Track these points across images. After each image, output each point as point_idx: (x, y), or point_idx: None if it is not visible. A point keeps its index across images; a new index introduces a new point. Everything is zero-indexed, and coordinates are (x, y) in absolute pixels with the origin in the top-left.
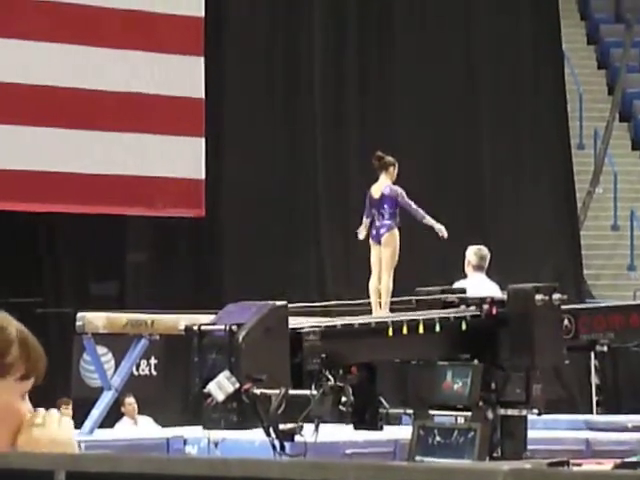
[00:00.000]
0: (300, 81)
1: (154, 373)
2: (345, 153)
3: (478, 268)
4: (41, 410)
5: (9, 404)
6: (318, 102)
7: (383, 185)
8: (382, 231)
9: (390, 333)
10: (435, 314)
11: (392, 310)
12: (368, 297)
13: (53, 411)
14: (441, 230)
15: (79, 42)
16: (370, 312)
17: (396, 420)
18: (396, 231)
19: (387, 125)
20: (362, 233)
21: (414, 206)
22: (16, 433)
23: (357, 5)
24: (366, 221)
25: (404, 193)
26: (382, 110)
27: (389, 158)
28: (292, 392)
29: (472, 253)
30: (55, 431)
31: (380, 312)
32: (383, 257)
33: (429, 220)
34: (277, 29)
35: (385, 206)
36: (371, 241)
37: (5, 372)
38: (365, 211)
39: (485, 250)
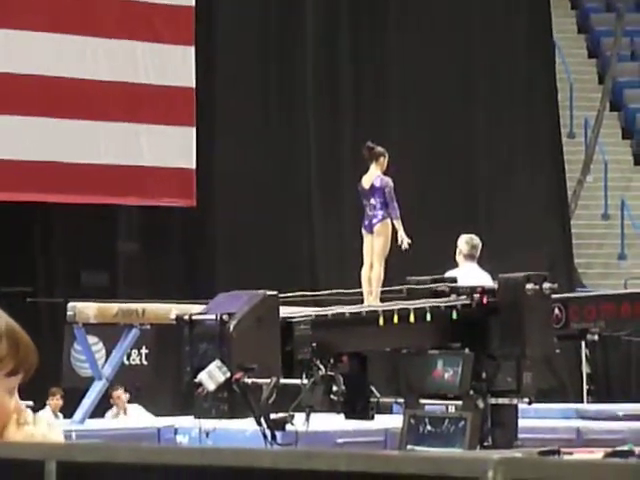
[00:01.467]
0: (293, 71)
1: (145, 363)
2: (339, 142)
3: (469, 257)
4: (29, 411)
5: None
6: (311, 91)
7: (373, 176)
8: (374, 221)
9: (381, 322)
10: (426, 303)
11: (383, 300)
12: (360, 286)
13: (41, 413)
14: (403, 241)
15: (70, 32)
16: (362, 301)
17: (387, 409)
18: (388, 221)
19: (379, 109)
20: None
21: (394, 204)
22: (2, 429)
23: None
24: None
25: (392, 186)
26: (375, 99)
27: (379, 148)
28: (283, 381)
29: (464, 242)
30: (46, 430)
31: (371, 301)
32: (375, 246)
33: (398, 225)
34: (269, 17)
35: (376, 196)
36: (363, 231)
37: None
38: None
39: (477, 239)
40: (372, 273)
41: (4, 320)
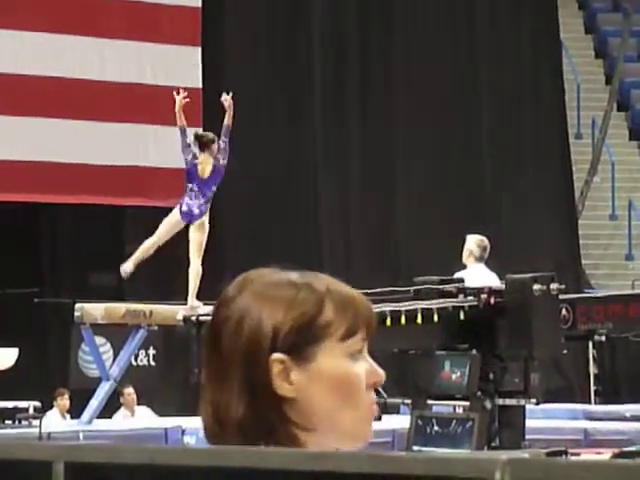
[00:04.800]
0: (300, 71)
1: (152, 363)
2: (346, 143)
3: (479, 259)
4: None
5: (337, 368)
6: (318, 92)
7: (209, 163)
8: (196, 212)
9: (388, 323)
10: (433, 304)
11: (391, 300)
12: (368, 287)
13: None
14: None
15: (76, 33)
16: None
17: (394, 410)
18: (207, 215)
19: (386, 110)
20: None
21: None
22: (356, 400)
23: None
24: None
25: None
26: (382, 100)
27: (209, 135)
28: None
29: (474, 244)
30: None
31: (189, 300)
32: (193, 240)
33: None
34: (276, 18)
35: (212, 186)
36: (178, 214)
37: (323, 335)
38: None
39: (486, 240)
40: (190, 268)
41: (325, 282)
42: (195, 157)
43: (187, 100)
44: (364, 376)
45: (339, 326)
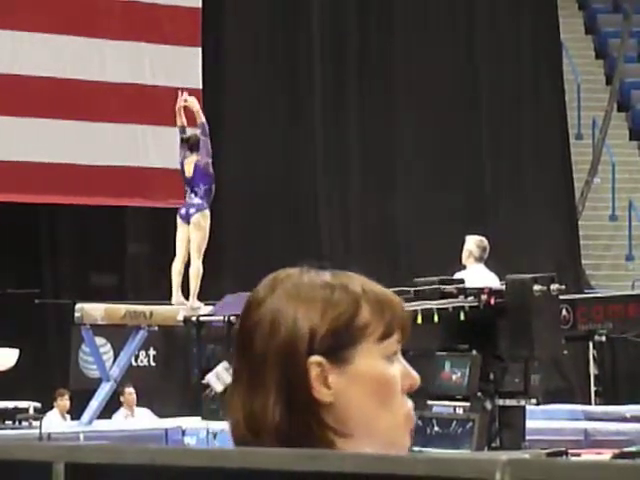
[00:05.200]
0: (300, 72)
1: (153, 364)
2: (346, 143)
3: (479, 259)
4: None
5: (375, 370)
6: (318, 92)
7: (194, 162)
8: (192, 211)
9: None
10: (433, 304)
11: None
12: None
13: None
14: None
15: (77, 34)
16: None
17: None
18: (207, 212)
19: (385, 109)
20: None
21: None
22: (392, 403)
23: None
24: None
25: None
26: (381, 99)
27: (193, 132)
28: None
29: (474, 245)
30: None
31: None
32: (192, 240)
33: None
34: (276, 19)
35: (200, 184)
36: (179, 219)
37: (360, 336)
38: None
39: (485, 241)
40: (191, 269)
41: (359, 282)
42: (185, 157)
43: (187, 104)
44: (400, 378)
45: (376, 327)
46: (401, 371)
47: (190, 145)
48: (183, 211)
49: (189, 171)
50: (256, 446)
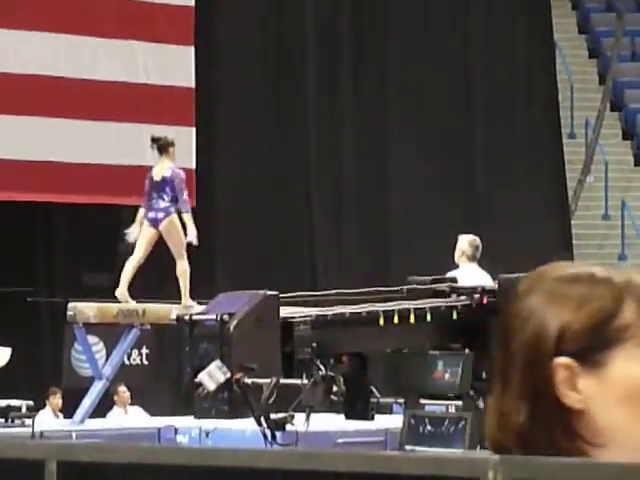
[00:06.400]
0: (294, 71)
1: (145, 363)
2: (340, 143)
3: (472, 258)
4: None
5: (633, 377)
6: (312, 92)
7: (165, 167)
8: (160, 216)
9: (381, 322)
10: (426, 303)
11: (384, 300)
12: (361, 286)
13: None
14: (192, 238)
15: (70, 32)
16: (317, 302)
17: (387, 409)
18: (175, 217)
19: (379, 110)
20: (135, 232)
21: (184, 197)
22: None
23: None
24: (142, 212)
25: (183, 178)
26: (375, 100)
27: (167, 138)
28: (283, 381)
29: (467, 244)
30: None
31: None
32: (171, 246)
33: (189, 219)
34: (269, 17)
35: (167, 189)
36: (146, 222)
37: (619, 338)
38: (145, 196)
39: (478, 240)
40: (178, 270)
41: (626, 276)
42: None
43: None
44: None
45: (639, 330)
46: None
47: (159, 147)
48: (151, 215)
49: (158, 175)
50: (503, 449)
